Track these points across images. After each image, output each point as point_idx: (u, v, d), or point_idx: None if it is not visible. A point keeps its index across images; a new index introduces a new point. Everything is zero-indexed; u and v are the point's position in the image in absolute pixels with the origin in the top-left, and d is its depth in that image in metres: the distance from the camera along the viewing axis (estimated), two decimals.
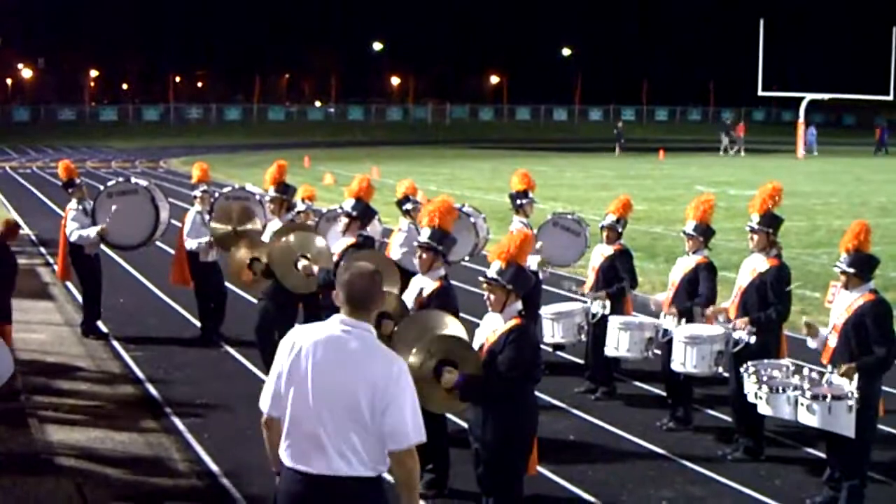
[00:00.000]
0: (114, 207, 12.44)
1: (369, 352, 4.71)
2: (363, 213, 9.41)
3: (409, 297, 7.89)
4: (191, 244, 12.60)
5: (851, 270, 7.65)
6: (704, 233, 9.57)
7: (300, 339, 4.76)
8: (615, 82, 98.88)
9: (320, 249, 9.65)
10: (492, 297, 6.57)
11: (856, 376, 7.41)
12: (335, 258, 9.30)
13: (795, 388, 7.59)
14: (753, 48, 56.17)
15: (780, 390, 7.67)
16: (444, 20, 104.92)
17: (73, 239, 12.64)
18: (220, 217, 11.95)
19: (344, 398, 4.63)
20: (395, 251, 11.35)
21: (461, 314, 7.53)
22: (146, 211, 12.68)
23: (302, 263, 9.51)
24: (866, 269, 7.71)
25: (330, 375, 4.65)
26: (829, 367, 7.64)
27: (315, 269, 9.36)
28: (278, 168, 11.12)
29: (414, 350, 6.40)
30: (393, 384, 4.65)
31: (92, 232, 12.50)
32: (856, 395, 7.32)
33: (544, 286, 11.83)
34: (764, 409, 7.82)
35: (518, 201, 11.66)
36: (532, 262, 10.68)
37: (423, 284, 7.87)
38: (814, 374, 7.74)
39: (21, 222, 22.17)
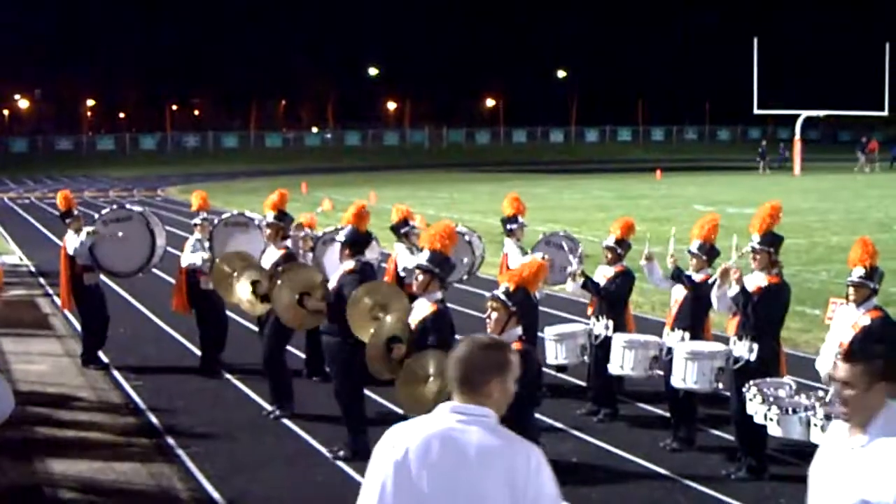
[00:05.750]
0: (120, 233, 12.45)
1: (497, 444, 3.76)
2: (355, 240, 9.41)
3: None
4: (189, 259, 12.50)
5: (872, 285, 7.66)
6: (708, 252, 9.58)
7: (405, 440, 3.75)
8: (611, 103, 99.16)
9: (320, 281, 9.64)
10: (493, 315, 6.54)
11: None
12: (334, 285, 9.30)
13: (807, 409, 7.56)
14: (748, 66, 56.36)
15: (792, 411, 7.64)
16: (440, 44, 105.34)
17: (70, 252, 12.62)
18: (222, 267, 11.04)
19: None
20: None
21: (458, 336, 7.51)
22: (142, 236, 12.68)
23: (308, 302, 9.49)
24: (880, 283, 7.75)
25: (453, 482, 3.68)
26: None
27: (322, 305, 9.36)
28: (280, 196, 11.17)
29: (430, 379, 6.47)
30: (533, 479, 3.72)
31: (83, 235, 12.50)
32: None
33: (542, 308, 11.82)
34: (774, 430, 7.77)
35: (508, 226, 11.77)
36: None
37: (418, 307, 7.88)
38: (820, 393, 7.72)
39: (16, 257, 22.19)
